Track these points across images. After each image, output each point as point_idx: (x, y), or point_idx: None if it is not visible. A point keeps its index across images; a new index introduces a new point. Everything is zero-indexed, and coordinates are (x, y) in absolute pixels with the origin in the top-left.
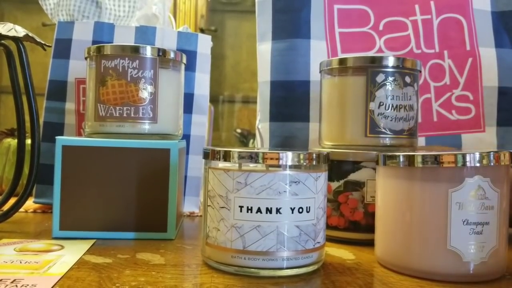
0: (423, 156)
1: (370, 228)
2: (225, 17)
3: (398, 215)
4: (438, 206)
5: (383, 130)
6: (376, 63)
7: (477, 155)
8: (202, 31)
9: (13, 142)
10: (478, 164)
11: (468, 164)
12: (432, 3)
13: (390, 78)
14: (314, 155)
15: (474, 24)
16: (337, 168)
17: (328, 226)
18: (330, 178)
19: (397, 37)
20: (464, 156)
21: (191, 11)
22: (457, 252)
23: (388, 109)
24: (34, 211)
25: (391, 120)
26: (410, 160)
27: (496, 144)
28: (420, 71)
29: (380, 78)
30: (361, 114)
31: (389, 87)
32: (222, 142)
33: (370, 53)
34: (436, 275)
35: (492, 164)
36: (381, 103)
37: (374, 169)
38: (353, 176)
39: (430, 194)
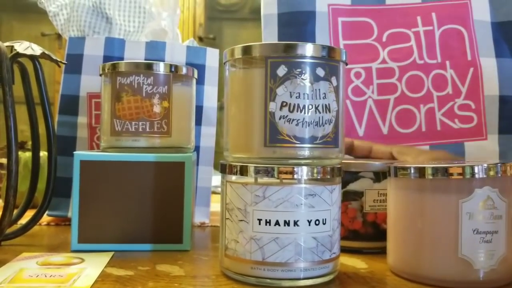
0: (433, 168)
1: (369, 237)
2: (223, 25)
3: (410, 224)
4: (449, 216)
5: (287, 138)
6: (276, 52)
7: (485, 167)
8: (200, 39)
9: (23, 155)
10: (485, 176)
11: (476, 175)
12: (433, 14)
13: (295, 71)
14: (328, 168)
15: (474, 35)
16: None
17: None
18: None
19: (400, 48)
20: (472, 168)
21: (189, 20)
22: (467, 260)
23: (293, 111)
24: (48, 224)
25: (297, 125)
26: (421, 172)
27: (498, 152)
28: (344, 62)
29: (281, 71)
30: (260, 118)
31: (293, 82)
32: (220, 149)
33: (375, 64)
34: (448, 282)
35: (499, 175)
36: (284, 103)
37: (372, 179)
38: (352, 186)
39: (441, 204)
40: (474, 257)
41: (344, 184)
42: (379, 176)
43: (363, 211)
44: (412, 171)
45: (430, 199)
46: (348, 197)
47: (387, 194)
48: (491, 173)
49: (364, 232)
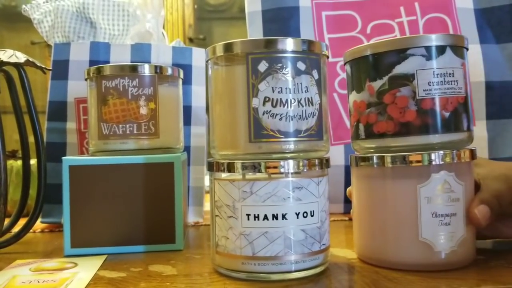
0: (392, 156)
1: (426, 129)
2: (213, 25)
3: (373, 211)
4: (408, 201)
5: (271, 133)
6: (257, 48)
7: (441, 154)
8: (191, 40)
9: (15, 163)
10: (442, 162)
11: (433, 162)
12: (416, 4)
13: (276, 66)
14: (313, 161)
15: (458, 22)
16: (378, 62)
17: (375, 135)
18: (371, 77)
19: (384, 39)
20: (429, 155)
21: (178, 21)
22: (428, 243)
23: (276, 106)
24: (42, 231)
25: (280, 120)
26: (381, 160)
27: (487, 137)
28: (325, 55)
29: (262, 66)
30: (244, 114)
31: (275, 77)
32: None
33: None
34: (411, 265)
35: (455, 161)
36: (267, 99)
37: (425, 56)
38: (399, 69)
39: (401, 190)
40: (435, 239)
41: (389, 68)
42: (432, 51)
43: (416, 98)
44: (375, 160)
45: (390, 186)
46: (395, 83)
47: (351, 183)
48: (447, 159)
49: (420, 124)
